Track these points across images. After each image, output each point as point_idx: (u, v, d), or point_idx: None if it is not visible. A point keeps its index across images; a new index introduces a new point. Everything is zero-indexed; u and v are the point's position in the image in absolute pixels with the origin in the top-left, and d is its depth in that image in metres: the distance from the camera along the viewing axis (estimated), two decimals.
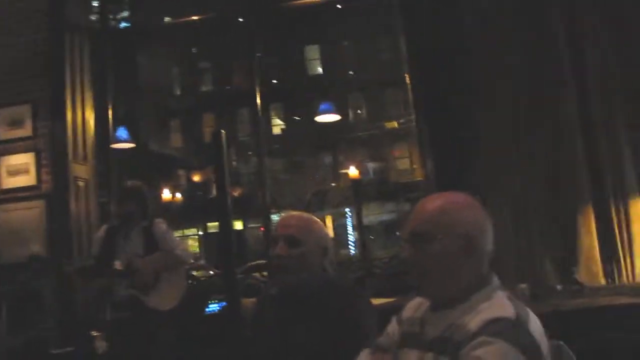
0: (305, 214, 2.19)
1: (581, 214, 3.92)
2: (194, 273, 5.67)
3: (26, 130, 5.53)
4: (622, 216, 3.86)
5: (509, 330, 1.32)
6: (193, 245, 22.92)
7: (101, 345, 4.71)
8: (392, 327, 1.66)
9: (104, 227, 4.34)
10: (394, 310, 1.76)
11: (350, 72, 23.46)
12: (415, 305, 1.62)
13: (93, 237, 4.64)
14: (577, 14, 4.27)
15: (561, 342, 1.54)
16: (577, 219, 3.92)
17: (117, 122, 6.31)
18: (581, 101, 4.14)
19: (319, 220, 2.20)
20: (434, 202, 1.53)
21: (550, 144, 4.13)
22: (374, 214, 22.75)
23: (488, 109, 4.39)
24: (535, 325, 1.38)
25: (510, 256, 3.91)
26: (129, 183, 4.39)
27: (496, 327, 1.33)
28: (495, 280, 1.50)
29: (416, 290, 1.57)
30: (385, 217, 24.08)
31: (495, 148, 4.28)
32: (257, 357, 2.07)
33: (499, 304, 1.41)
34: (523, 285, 3.56)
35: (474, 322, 1.37)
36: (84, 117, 5.76)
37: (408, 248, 1.52)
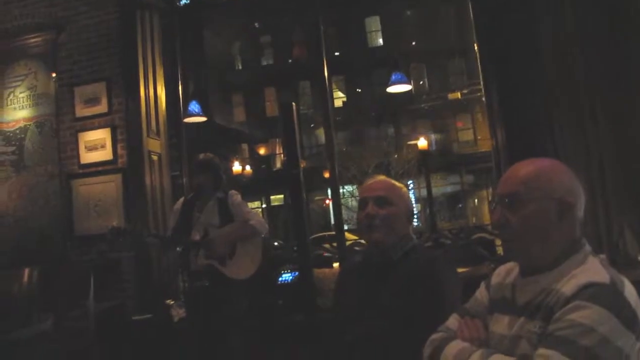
0: (391, 179, 2.21)
1: None
2: None
3: (102, 107, 5.74)
4: None
5: (604, 294, 1.31)
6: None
7: (177, 313, 4.90)
8: (481, 292, 1.67)
9: (181, 200, 4.45)
10: (469, 279, 1.76)
11: (413, 43, 23.11)
12: (504, 271, 1.63)
13: (171, 209, 4.77)
14: None
15: None
16: None
17: (187, 97, 6.44)
18: None
19: (403, 185, 2.22)
20: (528, 166, 1.52)
21: (629, 107, 3.97)
22: (437, 186, 22.55)
23: (560, 74, 4.27)
24: (630, 291, 1.36)
25: (589, 225, 3.83)
26: (201, 155, 4.45)
27: (591, 292, 1.32)
28: (587, 246, 1.49)
29: (506, 255, 1.57)
30: (449, 188, 23.86)
31: (570, 113, 4.16)
32: (342, 322, 2.11)
33: (592, 269, 1.40)
34: (602, 255, 3.48)
35: (568, 286, 1.37)
36: (156, 92, 5.92)
37: (500, 211, 1.51)
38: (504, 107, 4.63)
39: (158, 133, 5.88)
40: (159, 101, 5.93)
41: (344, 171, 18.46)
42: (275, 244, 11.72)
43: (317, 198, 23.39)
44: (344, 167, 18.72)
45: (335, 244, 5.80)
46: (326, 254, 5.93)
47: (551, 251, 1.46)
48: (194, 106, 5.92)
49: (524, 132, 4.38)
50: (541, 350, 1.31)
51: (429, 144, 21.26)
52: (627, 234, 3.82)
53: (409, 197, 2.17)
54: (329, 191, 13.35)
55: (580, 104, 4.18)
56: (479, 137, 22.56)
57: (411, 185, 22.84)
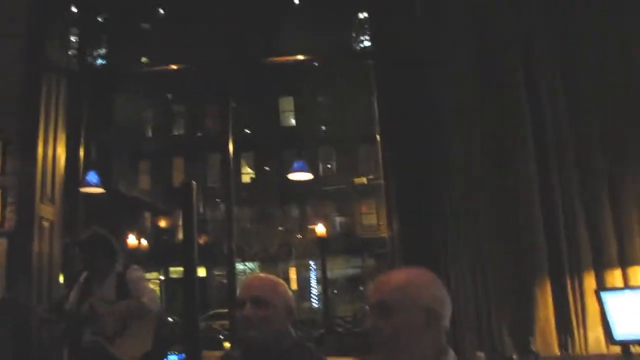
0: (270, 276, 2.24)
1: (538, 285, 3.99)
2: None
3: None
4: (577, 289, 3.95)
5: None
6: (154, 289, 22.46)
7: None
8: None
9: (85, 273, 4.22)
10: None
11: (323, 127, 23.77)
12: None
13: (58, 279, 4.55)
14: (537, 77, 4.39)
15: None
16: (534, 290, 4.00)
17: (89, 163, 6.28)
18: (541, 173, 4.24)
19: (283, 282, 2.24)
20: (399, 276, 1.61)
21: (511, 215, 4.22)
22: (339, 268, 22.75)
23: (454, 174, 4.48)
24: None
25: (470, 325, 3.96)
26: (84, 236, 4.20)
27: None
28: (452, 352, 1.57)
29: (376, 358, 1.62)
30: (350, 271, 24.08)
31: (458, 215, 4.35)
32: None
33: None
34: (480, 354, 3.61)
35: None
36: (55, 156, 5.72)
37: (372, 317, 1.58)
38: (401, 198, 4.78)
39: (52, 199, 5.65)
40: (57, 165, 5.72)
41: (247, 248, 18.34)
42: (170, 319, 11.30)
43: (217, 274, 22.98)
44: (246, 243, 18.60)
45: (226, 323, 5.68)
46: (222, 334, 5.80)
47: (417, 357, 1.53)
48: (92, 177, 5.78)
49: (417, 225, 4.53)
50: None
51: (332, 227, 21.58)
52: (505, 334, 3.98)
53: (287, 293, 2.19)
54: None
55: (470, 203, 4.38)
56: (381, 223, 23.12)
57: (313, 266, 22.90)
